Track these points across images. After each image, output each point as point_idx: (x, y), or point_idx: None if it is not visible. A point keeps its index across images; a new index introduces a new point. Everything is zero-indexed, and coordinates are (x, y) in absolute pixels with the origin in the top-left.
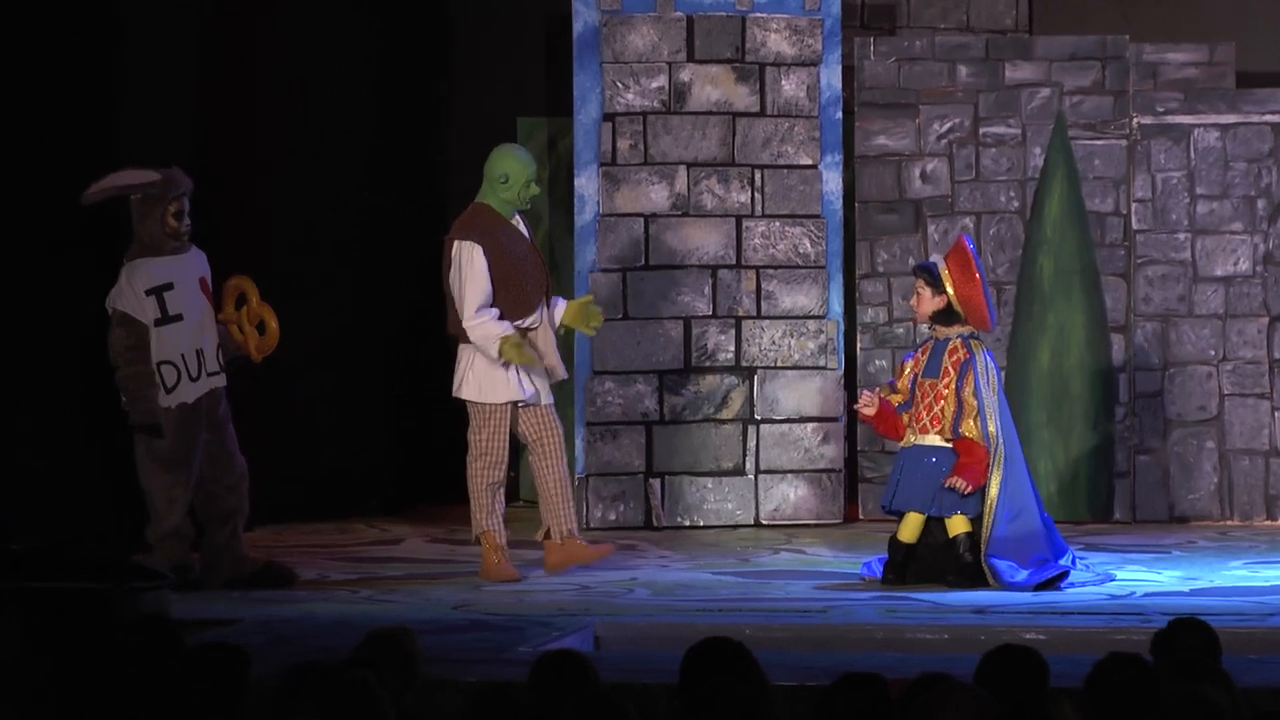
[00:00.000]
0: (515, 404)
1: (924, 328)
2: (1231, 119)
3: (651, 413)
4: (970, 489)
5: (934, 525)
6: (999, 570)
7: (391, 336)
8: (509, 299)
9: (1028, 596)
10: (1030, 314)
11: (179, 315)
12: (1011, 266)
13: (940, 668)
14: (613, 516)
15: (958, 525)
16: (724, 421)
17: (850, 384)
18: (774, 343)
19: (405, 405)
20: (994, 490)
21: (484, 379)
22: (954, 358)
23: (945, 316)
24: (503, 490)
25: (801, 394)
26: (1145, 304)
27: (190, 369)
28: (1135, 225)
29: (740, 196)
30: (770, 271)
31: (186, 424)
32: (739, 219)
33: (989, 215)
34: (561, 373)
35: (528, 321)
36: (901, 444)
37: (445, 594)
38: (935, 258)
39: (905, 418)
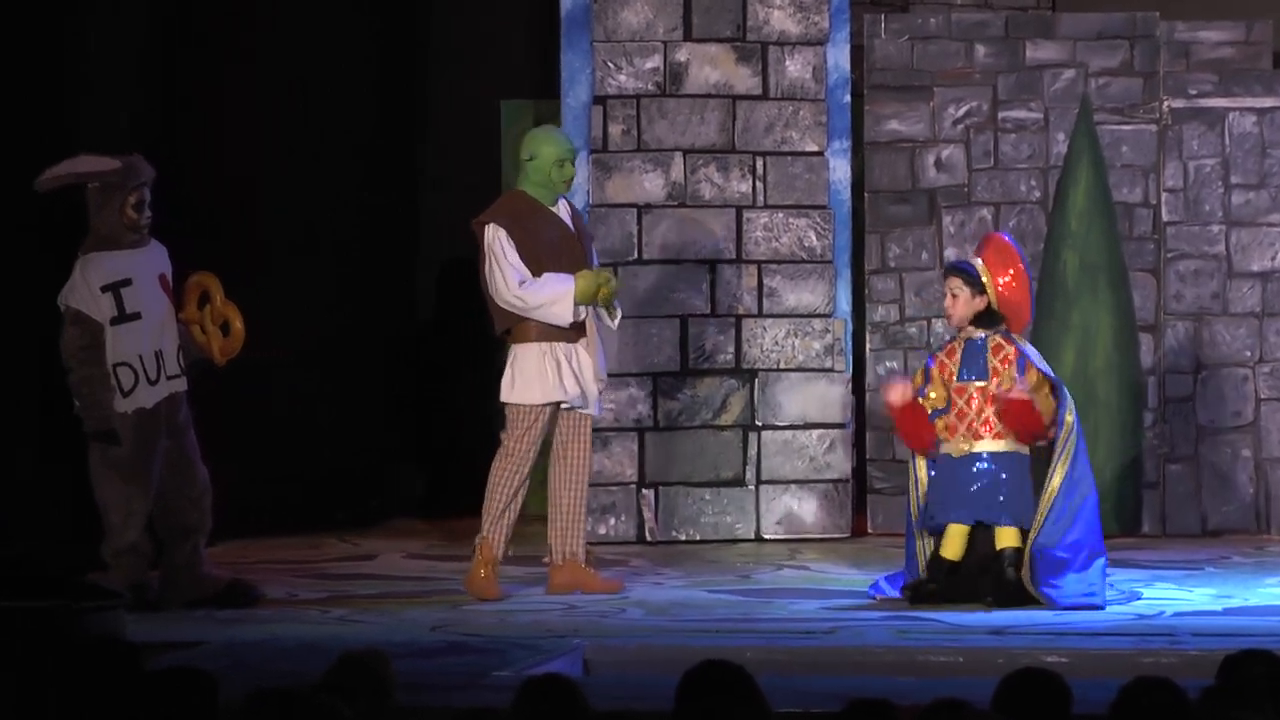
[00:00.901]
0: (556, 406)
1: (933, 325)
2: (1269, 102)
3: (645, 418)
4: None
5: (974, 541)
6: (1038, 565)
7: (378, 340)
8: None
9: (1049, 616)
10: (1053, 312)
11: (137, 313)
12: (1033, 261)
13: (955, 693)
14: (603, 530)
15: (1008, 537)
16: (723, 428)
17: (859, 387)
18: (777, 343)
19: (381, 413)
20: (1056, 481)
21: (519, 378)
22: (1001, 355)
23: (985, 318)
24: (519, 500)
25: (806, 398)
26: (1176, 302)
27: (149, 371)
28: (1166, 217)
29: (741, 186)
30: (773, 267)
31: (144, 431)
32: (739, 210)
33: (1008, 206)
34: (602, 376)
35: None
36: (945, 451)
37: (422, 614)
38: (969, 256)
39: (940, 424)
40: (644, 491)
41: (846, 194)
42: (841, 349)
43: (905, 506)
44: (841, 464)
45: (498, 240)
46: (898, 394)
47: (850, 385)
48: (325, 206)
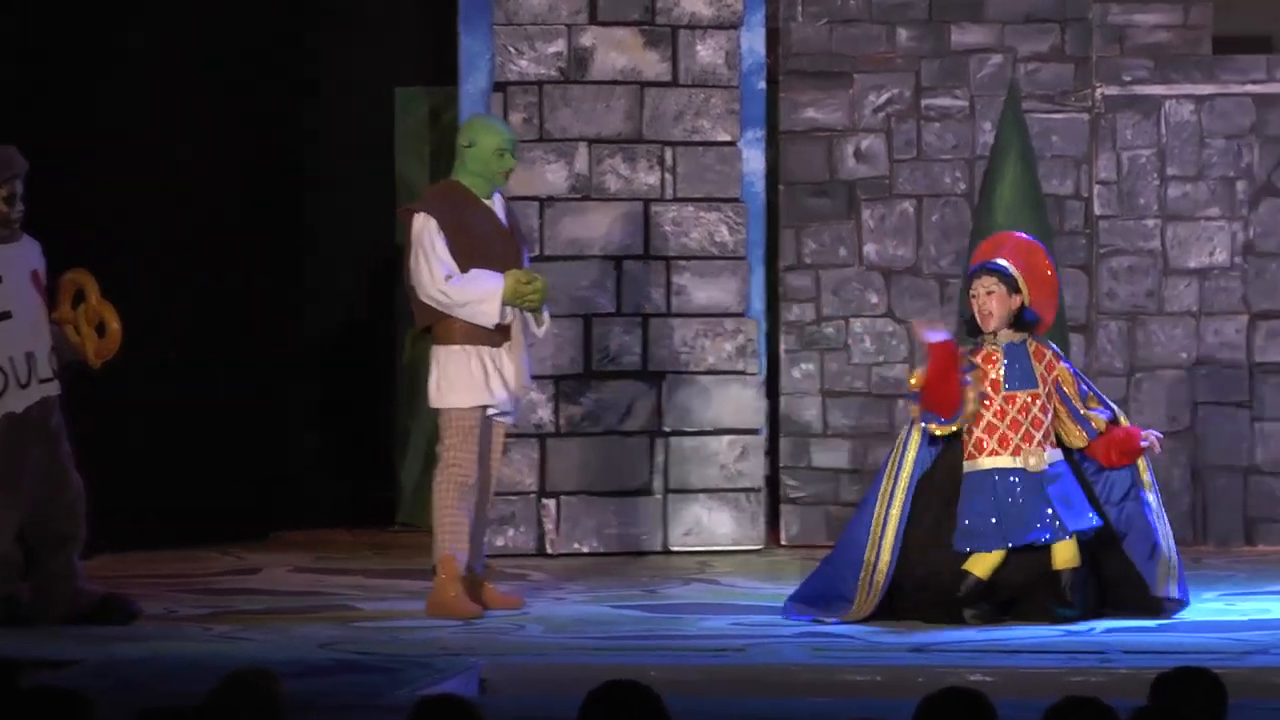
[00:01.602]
0: (486, 411)
1: (851, 326)
2: (1208, 89)
3: (546, 424)
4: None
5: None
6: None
7: (251, 341)
8: None
9: (972, 632)
10: None
11: (7, 313)
12: (957, 257)
13: (874, 713)
14: (501, 542)
15: (1068, 555)
16: (629, 434)
17: (772, 390)
18: (686, 344)
19: (265, 419)
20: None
21: (444, 382)
22: (1045, 362)
23: (1017, 321)
24: (472, 508)
25: (717, 402)
26: (1110, 300)
27: (19, 374)
28: (1098, 210)
29: (649, 178)
30: (682, 263)
31: (15, 436)
32: (647, 203)
33: (932, 198)
34: (526, 383)
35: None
36: (1017, 467)
37: (311, 631)
38: (1000, 259)
39: (984, 439)
40: (545, 501)
41: (760, 186)
42: (755, 350)
43: (862, 517)
44: (754, 472)
45: (427, 231)
46: (940, 332)
47: (764, 389)
48: (213, 201)
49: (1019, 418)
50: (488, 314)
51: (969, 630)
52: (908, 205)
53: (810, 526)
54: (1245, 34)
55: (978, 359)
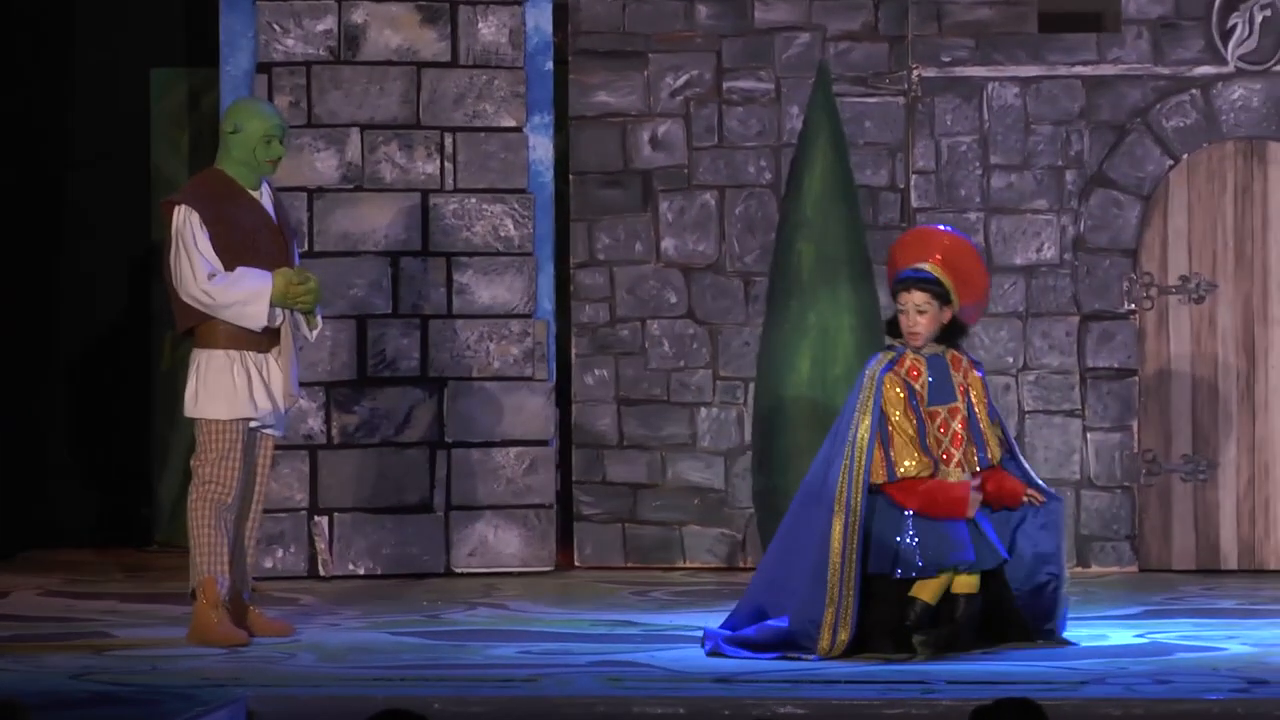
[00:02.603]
0: (248, 425)
1: (648, 327)
2: (1034, 71)
3: (317, 434)
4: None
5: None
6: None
7: (19, 341)
8: None
9: (786, 662)
10: (786, 312)
11: None
12: (763, 253)
13: None
14: (268, 564)
15: (969, 581)
16: (407, 445)
17: (563, 398)
18: (469, 348)
19: (10, 428)
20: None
21: (206, 390)
22: (961, 369)
23: (948, 331)
24: (230, 528)
25: (503, 411)
26: None
27: None
28: (915, 202)
29: (427, 167)
30: (464, 260)
31: None
32: (425, 194)
33: (735, 190)
34: (294, 392)
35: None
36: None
37: (63, 660)
38: (918, 261)
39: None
40: (316, 519)
41: (549, 176)
42: (543, 354)
43: (838, 544)
44: (544, 487)
45: (189, 225)
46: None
47: (554, 396)
48: None
49: (939, 435)
50: (255, 316)
51: (789, 661)
52: (709, 197)
53: (604, 546)
54: (1073, 11)
55: (900, 371)
